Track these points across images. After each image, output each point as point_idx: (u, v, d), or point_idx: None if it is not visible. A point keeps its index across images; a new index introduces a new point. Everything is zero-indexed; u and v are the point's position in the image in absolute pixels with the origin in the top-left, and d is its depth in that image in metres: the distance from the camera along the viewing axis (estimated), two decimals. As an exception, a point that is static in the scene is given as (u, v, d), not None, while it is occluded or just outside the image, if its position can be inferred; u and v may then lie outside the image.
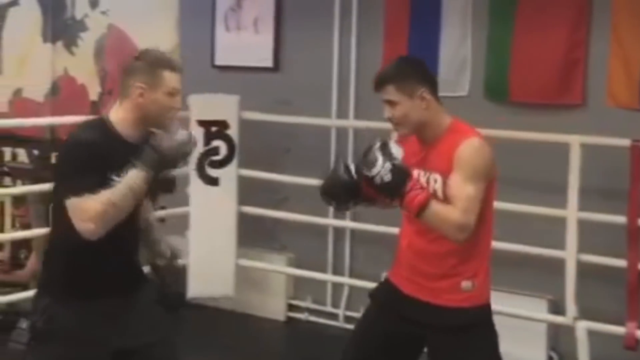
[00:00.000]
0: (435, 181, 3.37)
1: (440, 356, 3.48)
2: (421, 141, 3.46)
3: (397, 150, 3.28)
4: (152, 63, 3.21)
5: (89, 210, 3.03)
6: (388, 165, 3.22)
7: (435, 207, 3.25)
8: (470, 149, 3.33)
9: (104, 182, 3.07)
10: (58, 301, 3.21)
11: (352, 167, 3.40)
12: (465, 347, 3.41)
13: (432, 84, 3.45)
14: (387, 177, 3.21)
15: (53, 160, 7.42)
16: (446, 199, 3.31)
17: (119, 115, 3.22)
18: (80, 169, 3.06)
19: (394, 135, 3.52)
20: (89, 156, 3.08)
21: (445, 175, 3.33)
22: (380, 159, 3.24)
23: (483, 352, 3.47)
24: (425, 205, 3.23)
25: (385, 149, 3.26)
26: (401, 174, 3.24)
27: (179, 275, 3.57)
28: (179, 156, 3.20)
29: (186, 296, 6.14)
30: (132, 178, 3.09)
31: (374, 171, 3.23)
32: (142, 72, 3.19)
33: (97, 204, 3.03)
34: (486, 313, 3.52)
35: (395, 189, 3.24)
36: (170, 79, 3.21)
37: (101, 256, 3.19)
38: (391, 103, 3.40)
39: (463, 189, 3.26)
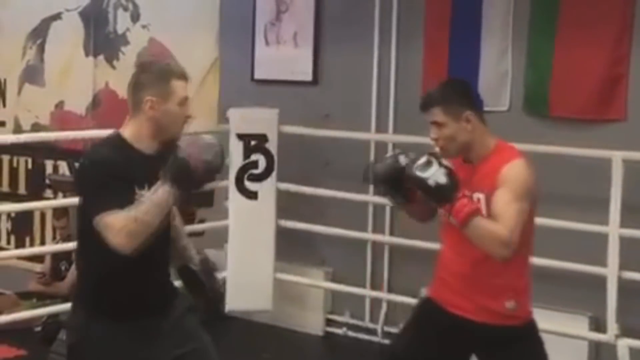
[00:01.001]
0: (479, 200, 3.39)
1: None
2: (465, 162, 3.50)
3: (448, 162, 3.33)
4: (159, 74, 3.20)
5: (115, 226, 2.99)
6: (443, 169, 3.26)
7: (482, 220, 3.27)
8: (516, 169, 3.37)
9: (128, 197, 3.05)
10: (91, 319, 3.20)
11: (402, 159, 3.42)
12: (515, 356, 3.50)
13: (477, 107, 3.52)
14: (442, 180, 3.23)
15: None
16: (489, 218, 3.32)
17: (132, 129, 3.19)
18: (102, 187, 3.04)
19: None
20: (108, 173, 3.06)
21: (489, 194, 3.35)
22: (435, 163, 3.27)
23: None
24: (473, 215, 3.25)
25: (437, 157, 3.32)
26: (455, 179, 3.26)
27: (216, 278, 3.51)
28: (207, 172, 3.09)
29: (224, 307, 6.15)
30: (159, 194, 3.04)
31: (429, 172, 3.25)
32: (151, 85, 3.16)
33: (121, 220, 2.99)
34: (531, 327, 3.58)
35: (448, 192, 3.25)
36: (180, 87, 3.19)
37: (134, 275, 3.17)
38: (437, 124, 3.45)
39: (509, 207, 3.28)
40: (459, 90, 3.55)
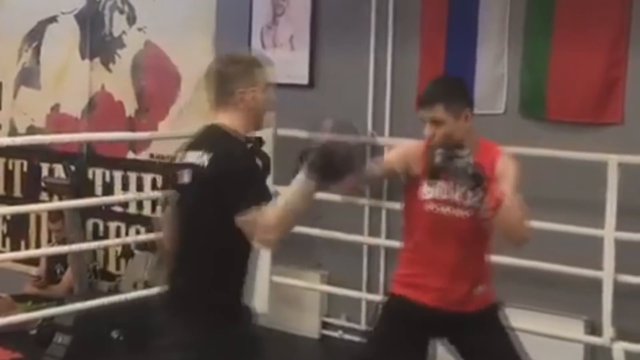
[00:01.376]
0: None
1: (477, 338, 3.61)
2: None
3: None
4: (249, 64, 3.22)
5: (270, 224, 2.98)
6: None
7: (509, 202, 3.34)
8: (509, 160, 3.50)
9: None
10: (214, 328, 3.10)
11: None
12: (491, 324, 3.63)
13: (472, 105, 3.58)
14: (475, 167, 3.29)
15: (89, 175, 7.50)
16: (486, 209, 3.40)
17: (235, 121, 3.18)
18: (250, 182, 3.04)
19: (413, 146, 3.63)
20: (252, 168, 3.08)
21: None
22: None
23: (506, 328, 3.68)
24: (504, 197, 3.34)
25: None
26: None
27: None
28: (349, 164, 3.04)
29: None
30: (303, 186, 3.02)
31: (464, 153, 3.29)
32: (244, 76, 3.18)
33: (275, 218, 2.98)
34: (498, 305, 3.72)
35: (484, 174, 3.29)
36: (268, 73, 3.23)
37: (245, 273, 3.19)
38: (436, 122, 3.46)
39: (512, 189, 3.40)
40: (460, 88, 3.60)
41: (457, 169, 3.30)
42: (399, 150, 3.80)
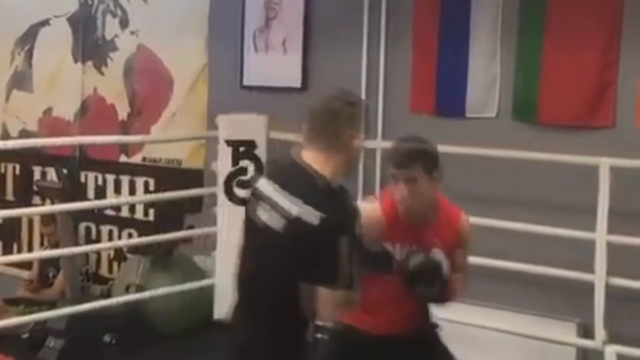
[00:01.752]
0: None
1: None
2: (411, 218, 3.50)
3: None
4: (361, 110, 3.08)
5: (336, 306, 2.95)
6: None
7: (457, 282, 3.55)
8: (469, 226, 3.63)
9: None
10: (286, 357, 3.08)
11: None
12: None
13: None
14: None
15: (82, 179, 7.49)
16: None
17: (333, 169, 3.00)
18: (348, 256, 2.88)
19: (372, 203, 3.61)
20: (356, 241, 2.92)
21: (448, 248, 3.50)
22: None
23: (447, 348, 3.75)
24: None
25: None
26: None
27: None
28: None
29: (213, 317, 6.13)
30: None
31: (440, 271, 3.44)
32: (357, 121, 3.04)
33: (344, 303, 2.94)
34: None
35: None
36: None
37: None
38: (413, 181, 3.42)
39: (467, 259, 3.66)
40: (433, 148, 3.51)
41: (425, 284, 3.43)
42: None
